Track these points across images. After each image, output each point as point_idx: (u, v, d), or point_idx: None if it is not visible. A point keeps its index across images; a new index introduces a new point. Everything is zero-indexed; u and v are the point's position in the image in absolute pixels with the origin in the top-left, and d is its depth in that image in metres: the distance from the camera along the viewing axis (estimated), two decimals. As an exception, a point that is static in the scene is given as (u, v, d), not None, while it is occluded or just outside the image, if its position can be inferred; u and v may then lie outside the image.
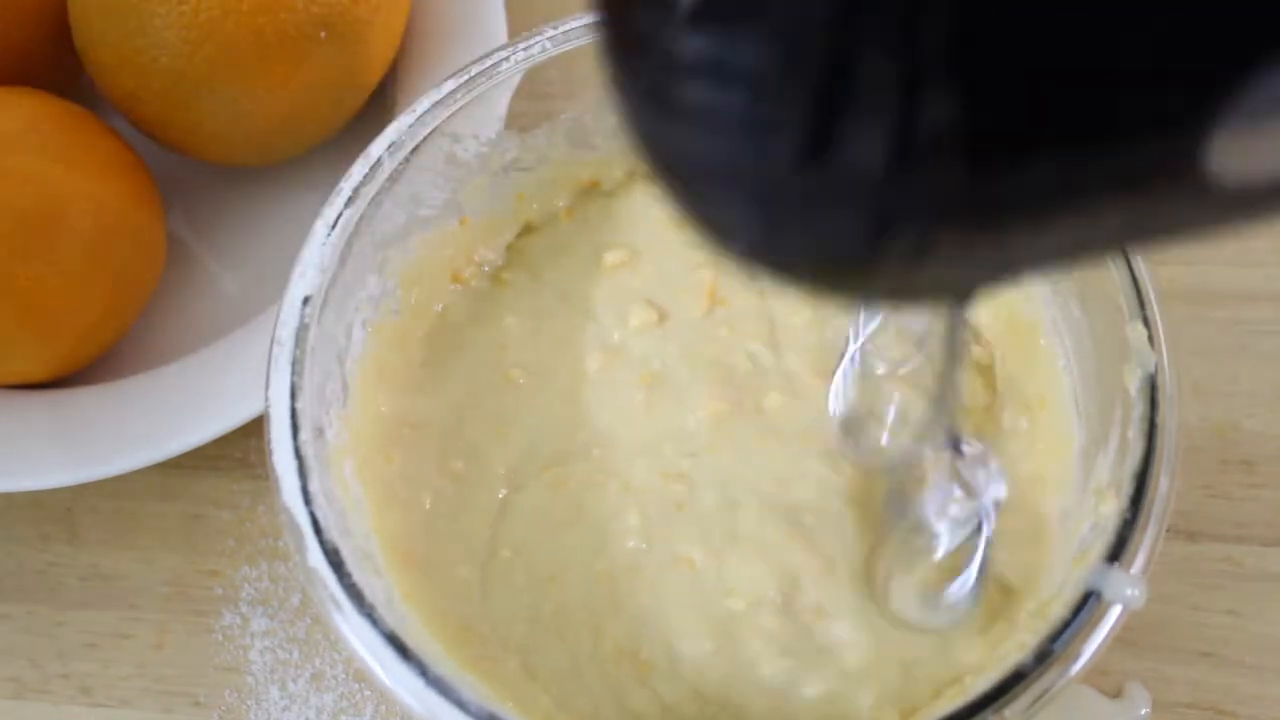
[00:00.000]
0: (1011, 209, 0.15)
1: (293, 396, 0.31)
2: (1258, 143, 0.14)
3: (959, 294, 0.19)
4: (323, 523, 0.29)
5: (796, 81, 0.14)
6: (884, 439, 0.30)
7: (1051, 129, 0.14)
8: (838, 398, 0.30)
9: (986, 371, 0.35)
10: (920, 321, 0.25)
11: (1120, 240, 0.17)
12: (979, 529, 0.29)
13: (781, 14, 0.13)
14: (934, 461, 0.28)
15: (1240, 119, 0.14)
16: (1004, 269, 0.17)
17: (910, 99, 0.13)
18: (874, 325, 0.28)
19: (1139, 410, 0.29)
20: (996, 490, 0.29)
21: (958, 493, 0.29)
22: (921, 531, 0.30)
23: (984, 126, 0.14)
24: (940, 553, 0.29)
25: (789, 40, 0.13)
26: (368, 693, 0.39)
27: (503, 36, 0.47)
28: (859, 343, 0.28)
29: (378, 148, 0.34)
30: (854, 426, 0.30)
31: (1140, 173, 0.15)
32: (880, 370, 0.29)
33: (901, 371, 0.28)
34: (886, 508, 0.30)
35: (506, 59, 0.36)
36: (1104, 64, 0.13)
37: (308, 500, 0.29)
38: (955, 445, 0.28)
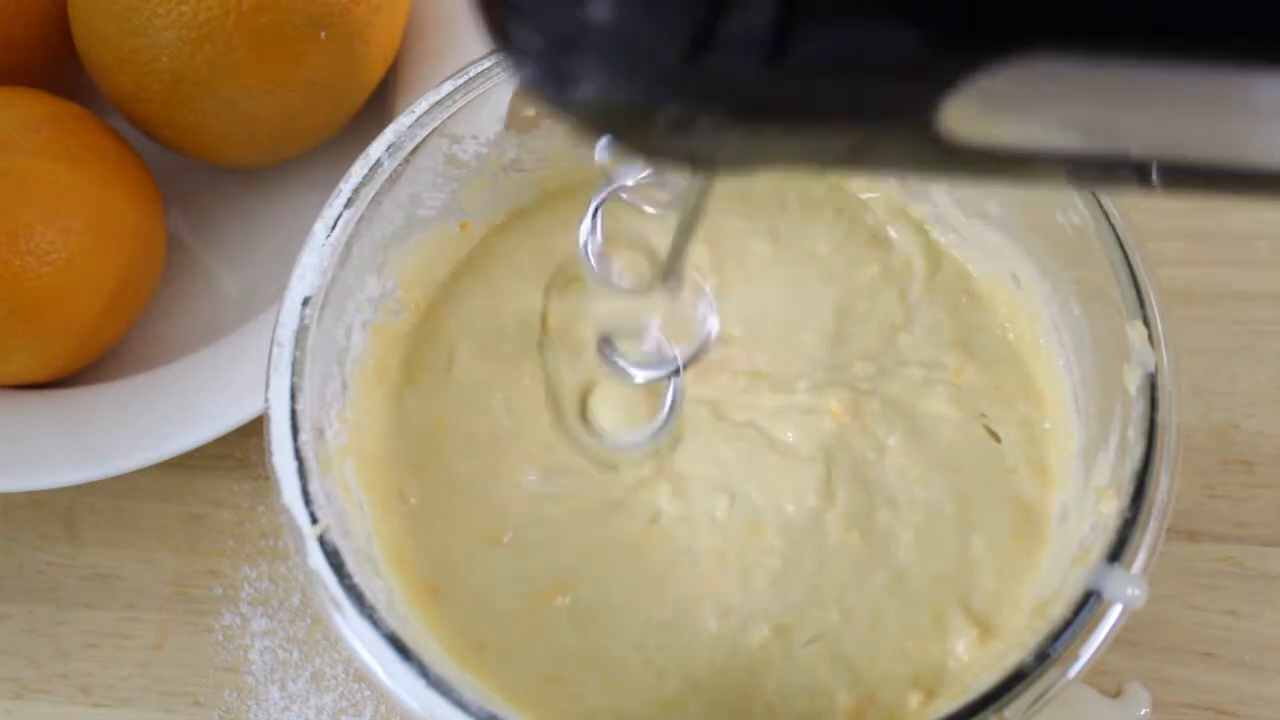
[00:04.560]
0: (771, 114, 0.18)
1: (293, 397, 0.31)
2: (981, 117, 0.17)
3: (705, 165, 0.22)
4: (323, 523, 0.29)
5: None
6: (620, 273, 0.32)
7: (828, 56, 0.16)
8: (589, 228, 0.31)
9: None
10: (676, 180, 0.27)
11: (850, 162, 0.20)
12: (676, 371, 0.32)
13: None
14: (652, 302, 0.31)
15: (966, 98, 0.16)
16: (746, 158, 0.20)
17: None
18: (641, 174, 0.30)
19: (1139, 410, 0.29)
20: (709, 327, 0.32)
21: (659, 336, 0.31)
22: (623, 369, 0.32)
23: (783, 41, 0.16)
24: (638, 381, 0.33)
25: None
26: (368, 693, 0.39)
27: (503, 36, 0.47)
28: (621, 183, 0.30)
29: (377, 148, 0.34)
30: (598, 257, 0.32)
31: (877, 114, 0.17)
32: (636, 208, 0.31)
33: (651, 212, 0.30)
34: (597, 346, 0.33)
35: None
36: (863, 25, 0.16)
37: (308, 501, 0.29)
38: (675, 288, 0.30)
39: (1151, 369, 0.30)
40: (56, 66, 0.47)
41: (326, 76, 0.44)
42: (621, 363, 0.32)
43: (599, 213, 0.31)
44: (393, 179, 0.34)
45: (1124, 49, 0.15)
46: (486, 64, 0.36)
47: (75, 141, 0.42)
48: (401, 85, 0.48)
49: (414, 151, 0.35)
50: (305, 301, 0.32)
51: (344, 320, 0.34)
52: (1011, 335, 0.36)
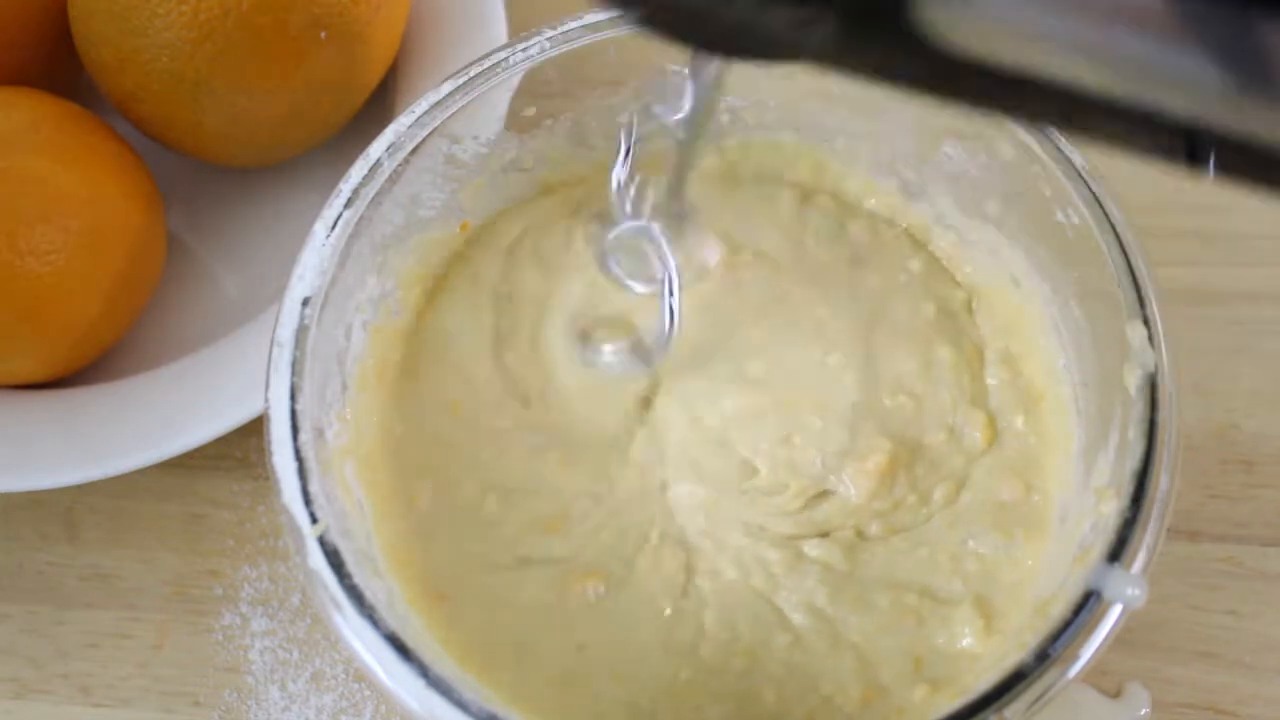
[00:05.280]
0: None
1: (293, 398, 0.31)
2: (964, 15, 0.17)
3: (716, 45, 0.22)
4: (323, 523, 0.29)
5: None
6: (639, 202, 0.33)
7: None
8: (620, 162, 0.32)
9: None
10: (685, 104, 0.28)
11: (829, 57, 0.20)
12: (670, 289, 0.32)
13: None
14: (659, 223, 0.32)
15: None
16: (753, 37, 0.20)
17: None
18: (681, 113, 0.30)
19: (1139, 410, 0.29)
20: (709, 255, 0.34)
21: (662, 251, 0.32)
22: (624, 280, 0.33)
23: None
24: (638, 292, 0.33)
25: None
26: (368, 693, 0.39)
27: (503, 36, 0.47)
28: (653, 124, 0.31)
29: (377, 149, 0.34)
30: (625, 187, 0.33)
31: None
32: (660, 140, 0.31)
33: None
34: (600, 259, 0.33)
35: (506, 59, 0.36)
36: None
37: (308, 501, 0.29)
38: (679, 210, 0.31)
39: (1151, 369, 0.30)
40: (56, 66, 0.47)
41: (326, 76, 0.44)
42: (623, 275, 0.33)
43: (632, 148, 0.32)
44: (393, 179, 0.34)
45: None
46: (486, 64, 0.36)
47: (75, 141, 0.42)
48: (401, 85, 0.48)
49: (414, 151, 0.35)
50: (305, 301, 0.32)
51: (344, 320, 0.34)
52: (1012, 338, 0.36)
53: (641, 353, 0.34)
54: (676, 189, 0.31)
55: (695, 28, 0.21)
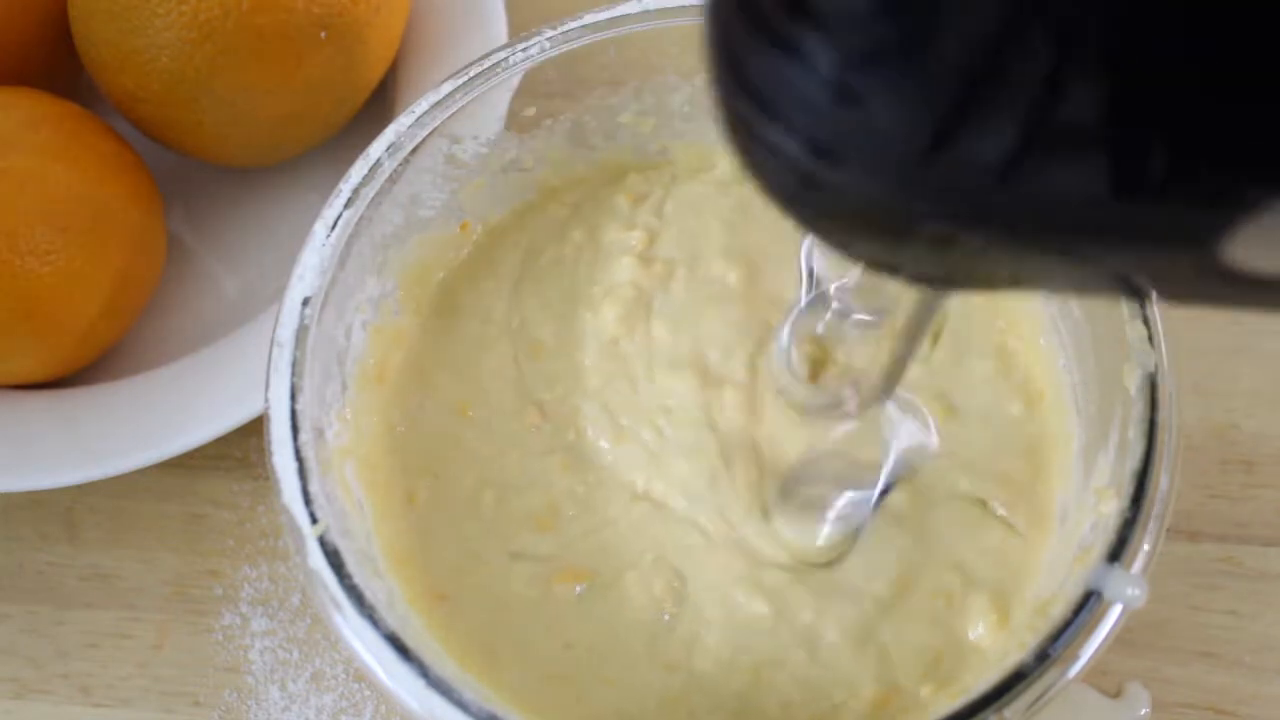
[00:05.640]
0: (1041, 232, 0.16)
1: (293, 398, 0.31)
2: (1265, 248, 0.16)
3: (952, 284, 0.20)
4: (323, 524, 0.29)
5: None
6: (821, 388, 0.31)
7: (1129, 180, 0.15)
8: (790, 334, 0.31)
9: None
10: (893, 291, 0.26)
11: (1111, 286, 0.19)
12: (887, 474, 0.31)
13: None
14: (854, 423, 0.31)
15: (1255, 228, 0.15)
16: (1001, 280, 0.19)
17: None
18: (853, 278, 0.29)
19: (1139, 410, 0.29)
20: (928, 440, 0.31)
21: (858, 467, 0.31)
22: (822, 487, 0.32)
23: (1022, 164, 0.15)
24: (832, 509, 0.31)
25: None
26: (368, 693, 0.39)
27: (503, 36, 0.47)
28: (829, 286, 0.30)
29: (377, 149, 0.34)
30: (798, 368, 0.31)
31: (1161, 237, 0.16)
32: (839, 316, 0.30)
33: (858, 322, 0.30)
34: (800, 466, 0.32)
35: (506, 59, 0.36)
36: (1170, 145, 0.15)
37: (308, 501, 0.29)
38: (886, 403, 0.30)
39: (1151, 369, 0.30)
40: (56, 66, 0.47)
41: (326, 76, 0.44)
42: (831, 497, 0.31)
43: (798, 324, 0.30)
44: (393, 179, 0.34)
45: None
46: (487, 64, 0.36)
47: (75, 141, 0.42)
48: (401, 85, 0.48)
49: (414, 151, 0.35)
50: (305, 301, 0.32)
51: (344, 320, 0.34)
52: (1011, 336, 0.36)
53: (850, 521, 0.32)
54: (891, 381, 0.28)
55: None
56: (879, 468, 0.32)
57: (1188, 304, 0.19)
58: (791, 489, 0.32)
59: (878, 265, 0.20)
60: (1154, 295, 0.18)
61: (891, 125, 0.15)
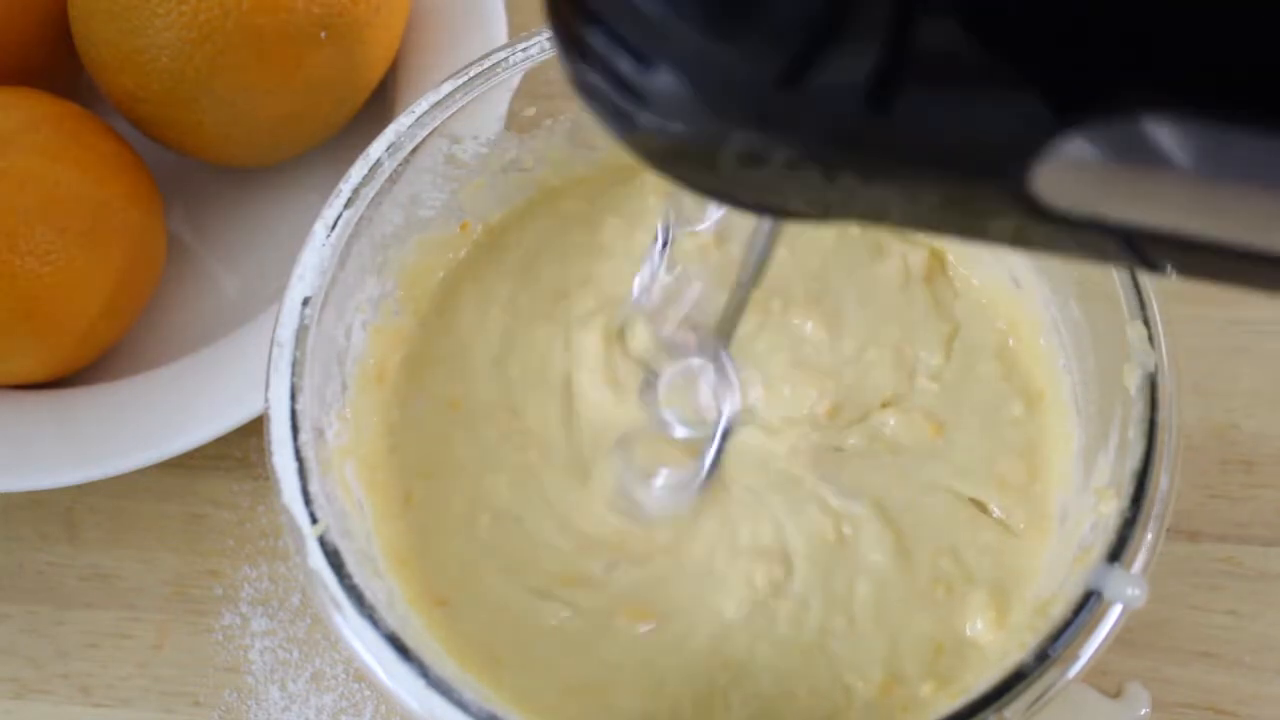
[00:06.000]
0: (856, 159, 0.17)
1: (293, 398, 0.31)
2: (1072, 183, 0.16)
3: (781, 210, 0.21)
4: (323, 523, 0.29)
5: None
6: (670, 328, 0.31)
7: (931, 115, 0.16)
8: (643, 282, 0.31)
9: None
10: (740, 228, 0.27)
11: (934, 223, 0.19)
12: (718, 433, 0.31)
13: None
14: (697, 364, 0.31)
15: (1058, 162, 0.16)
16: (822, 205, 0.19)
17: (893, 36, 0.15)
18: (702, 225, 0.30)
19: (1139, 410, 0.29)
20: (734, 402, 0.31)
21: (705, 396, 0.31)
22: (665, 423, 0.32)
23: (884, 92, 0.15)
24: (676, 436, 0.32)
25: None
26: (368, 693, 0.39)
27: (503, 36, 0.47)
28: (677, 232, 0.30)
29: (377, 149, 0.34)
30: (651, 313, 0.32)
31: (970, 170, 0.17)
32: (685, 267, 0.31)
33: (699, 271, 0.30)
34: (640, 395, 0.32)
35: (506, 59, 0.36)
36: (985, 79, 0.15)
37: (308, 501, 0.29)
38: (721, 352, 0.30)
39: (1151, 369, 0.30)
40: (56, 66, 0.47)
41: (326, 76, 0.44)
42: (665, 413, 0.32)
43: (662, 259, 0.30)
44: (393, 179, 0.34)
45: (1234, 117, 0.14)
46: (487, 64, 0.36)
47: (75, 141, 0.42)
48: (401, 85, 0.48)
49: (414, 151, 0.35)
50: (305, 301, 0.32)
51: (344, 320, 0.34)
52: (1011, 336, 0.36)
53: (681, 489, 0.33)
54: (727, 330, 0.29)
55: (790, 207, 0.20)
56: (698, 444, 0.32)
57: (1019, 247, 0.19)
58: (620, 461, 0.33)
59: (712, 194, 0.20)
60: (991, 238, 0.19)
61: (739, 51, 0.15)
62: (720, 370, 0.30)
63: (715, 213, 0.31)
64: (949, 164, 0.17)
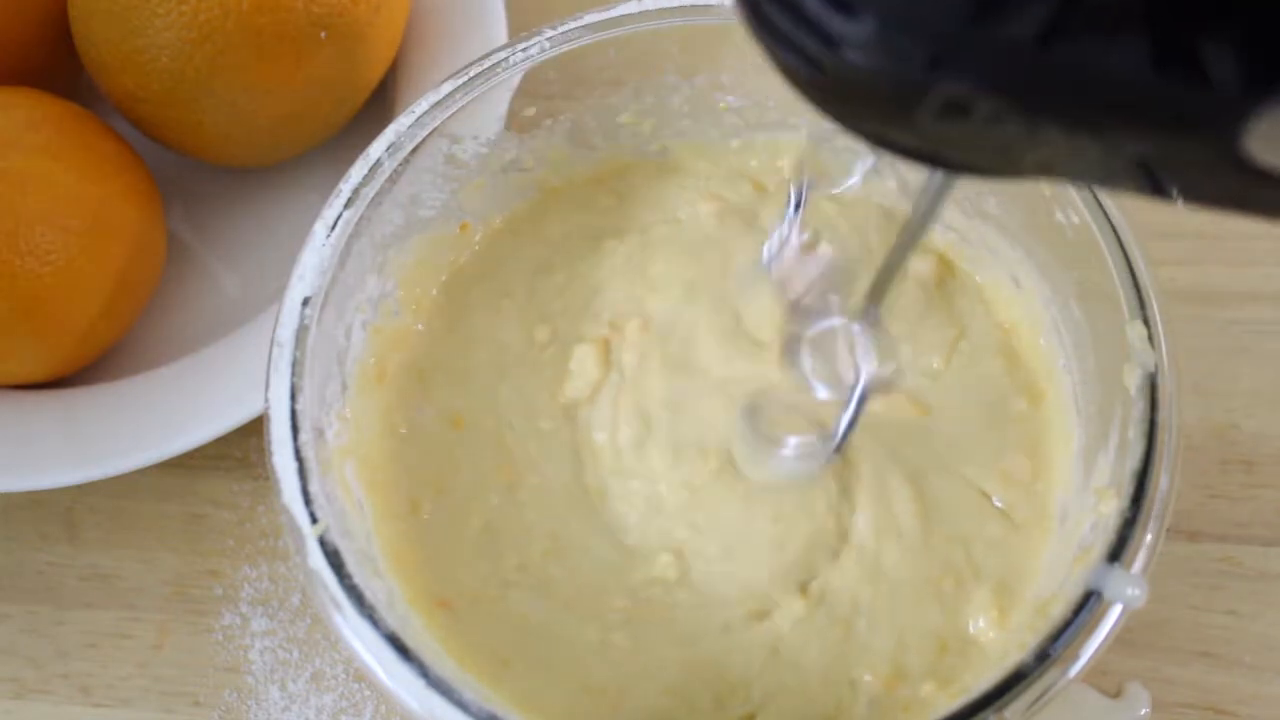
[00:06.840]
0: (1074, 105, 0.16)
1: (293, 398, 0.31)
2: None
3: (961, 165, 0.20)
4: (323, 523, 0.29)
5: None
6: (801, 290, 0.31)
7: (1136, 48, 0.15)
8: (781, 239, 0.31)
9: None
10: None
11: (1130, 174, 0.18)
12: (856, 398, 0.30)
13: None
14: (842, 325, 0.30)
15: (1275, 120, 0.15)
16: (1012, 157, 0.18)
17: None
18: (838, 188, 0.29)
19: (1139, 410, 0.29)
20: (885, 367, 0.30)
21: (848, 360, 0.30)
22: (809, 380, 0.31)
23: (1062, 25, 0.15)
24: (819, 399, 0.31)
25: None
26: (368, 693, 0.39)
27: (503, 36, 0.47)
28: (812, 195, 0.29)
29: (377, 149, 0.34)
30: (782, 277, 0.31)
31: (1182, 119, 0.16)
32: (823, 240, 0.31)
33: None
34: (784, 354, 0.31)
35: (506, 59, 0.36)
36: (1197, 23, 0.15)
37: (308, 501, 0.29)
38: (873, 316, 0.29)
39: (1151, 369, 0.30)
40: (56, 66, 0.47)
41: (326, 76, 0.44)
42: (809, 373, 0.31)
43: (794, 222, 0.30)
44: (393, 179, 0.34)
45: None
46: (487, 64, 0.36)
47: (75, 141, 0.42)
48: (401, 85, 0.48)
49: (414, 151, 0.35)
50: (305, 301, 0.32)
51: (344, 320, 0.34)
52: (1012, 336, 0.36)
53: (809, 458, 0.32)
54: (879, 293, 0.28)
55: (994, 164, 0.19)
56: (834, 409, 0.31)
57: (1199, 201, 0.19)
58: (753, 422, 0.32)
59: (901, 148, 0.20)
60: (1172, 191, 0.18)
61: None
62: (871, 333, 0.29)
63: (855, 177, 0.30)
64: (1178, 125, 0.16)
